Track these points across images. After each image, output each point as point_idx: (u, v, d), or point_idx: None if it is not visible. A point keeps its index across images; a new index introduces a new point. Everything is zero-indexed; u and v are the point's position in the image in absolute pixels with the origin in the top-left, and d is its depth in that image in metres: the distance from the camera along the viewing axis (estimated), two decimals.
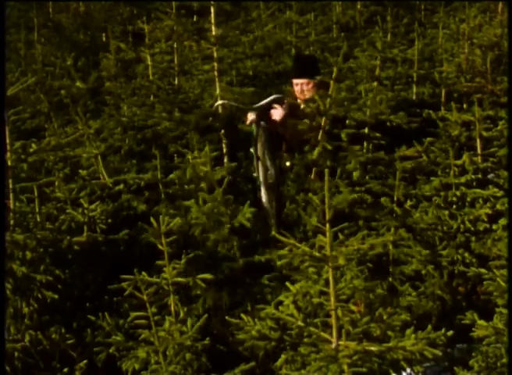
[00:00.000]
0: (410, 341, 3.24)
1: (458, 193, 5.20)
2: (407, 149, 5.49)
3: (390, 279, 4.81)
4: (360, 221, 5.09)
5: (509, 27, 7.60)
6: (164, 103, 6.88)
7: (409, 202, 5.15)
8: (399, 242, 4.90)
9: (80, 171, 6.13)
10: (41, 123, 7.89)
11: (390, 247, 4.85)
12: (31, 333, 4.46)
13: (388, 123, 5.96)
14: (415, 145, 5.58)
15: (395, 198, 5.13)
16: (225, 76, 7.40)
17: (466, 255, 4.93)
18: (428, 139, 5.74)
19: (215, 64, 7.02)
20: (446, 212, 5.11)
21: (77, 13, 11.91)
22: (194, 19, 9.27)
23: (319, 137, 5.38)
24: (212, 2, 6.93)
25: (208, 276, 4.38)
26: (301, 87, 5.72)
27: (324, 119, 5.39)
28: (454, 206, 5.19)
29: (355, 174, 5.33)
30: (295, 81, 5.77)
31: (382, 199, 5.13)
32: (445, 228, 5.09)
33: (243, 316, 3.52)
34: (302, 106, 5.73)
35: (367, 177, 5.64)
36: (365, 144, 5.76)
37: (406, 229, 5.01)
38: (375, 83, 6.41)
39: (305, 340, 3.31)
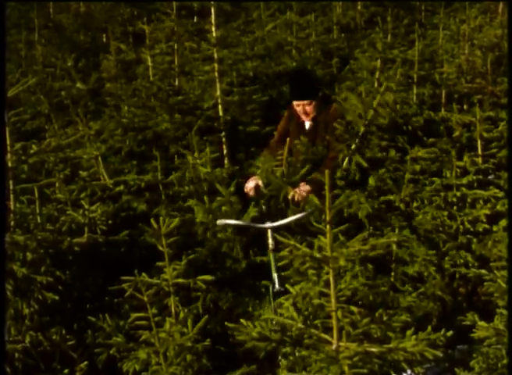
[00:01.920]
0: (410, 342, 3.24)
1: (459, 194, 5.20)
2: (419, 150, 5.43)
3: (392, 279, 4.80)
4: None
5: (509, 28, 7.60)
6: (164, 105, 6.88)
7: (415, 203, 5.14)
8: (403, 243, 4.89)
9: (81, 172, 6.14)
10: (42, 124, 7.89)
11: (394, 247, 4.84)
12: (32, 335, 4.47)
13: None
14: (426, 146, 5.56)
15: (401, 198, 5.13)
16: (225, 78, 7.40)
17: (469, 258, 4.92)
18: (430, 140, 5.74)
19: (216, 65, 7.03)
20: (446, 213, 5.11)
21: (78, 14, 11.93)
22: (195, 20, 9.27)
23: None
24: (213, 3, 6.94)
25: (208, 277, 4.38)
26: (303, 108, 5.50)
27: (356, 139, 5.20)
28: (455, 207, 5.19)
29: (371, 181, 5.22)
30: (296, 103, 5.54)
31: (392, 197, 5.12)
32: (446, 228, 5.09)
33: (242, 320, 3.52)
34: (307, 126, 5.57)
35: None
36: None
37: (410, 230, 5.00)
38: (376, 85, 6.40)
39: (306, 341, 3.31)
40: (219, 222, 4.84)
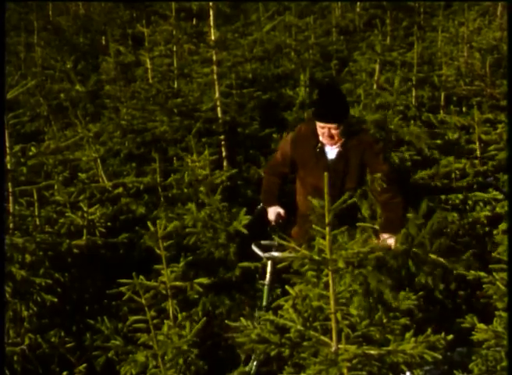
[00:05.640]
0: (409, 344, 3.24)
1: (461, 196, 5.18)
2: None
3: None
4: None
5: (508, 30, 7.61)
6: (163, 107, 6.87)
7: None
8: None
9: (80, 174, 6.14)
10: (41, 126, 7.90)
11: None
12: (30, 337, 4.46)
13: None
14: None
15: None
16: (224, 80, 7.40)
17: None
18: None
19: (215, 67, 7.02)
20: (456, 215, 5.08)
21: (77, 16, 11.94)
22: (194, 22, 9.28)
23: None
24: (211, 5, 6.93)
25: (205, 280, 4.37)
26: (329, 131, 4.67)
27: None
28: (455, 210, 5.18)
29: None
30: (321, 124, 4.69)
31: None
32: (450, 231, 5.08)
33: (242, 319, 3.51)
34: (331, 153, 4.78)
35: None
36: None
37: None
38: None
39: (305, 343, 3.30)
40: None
